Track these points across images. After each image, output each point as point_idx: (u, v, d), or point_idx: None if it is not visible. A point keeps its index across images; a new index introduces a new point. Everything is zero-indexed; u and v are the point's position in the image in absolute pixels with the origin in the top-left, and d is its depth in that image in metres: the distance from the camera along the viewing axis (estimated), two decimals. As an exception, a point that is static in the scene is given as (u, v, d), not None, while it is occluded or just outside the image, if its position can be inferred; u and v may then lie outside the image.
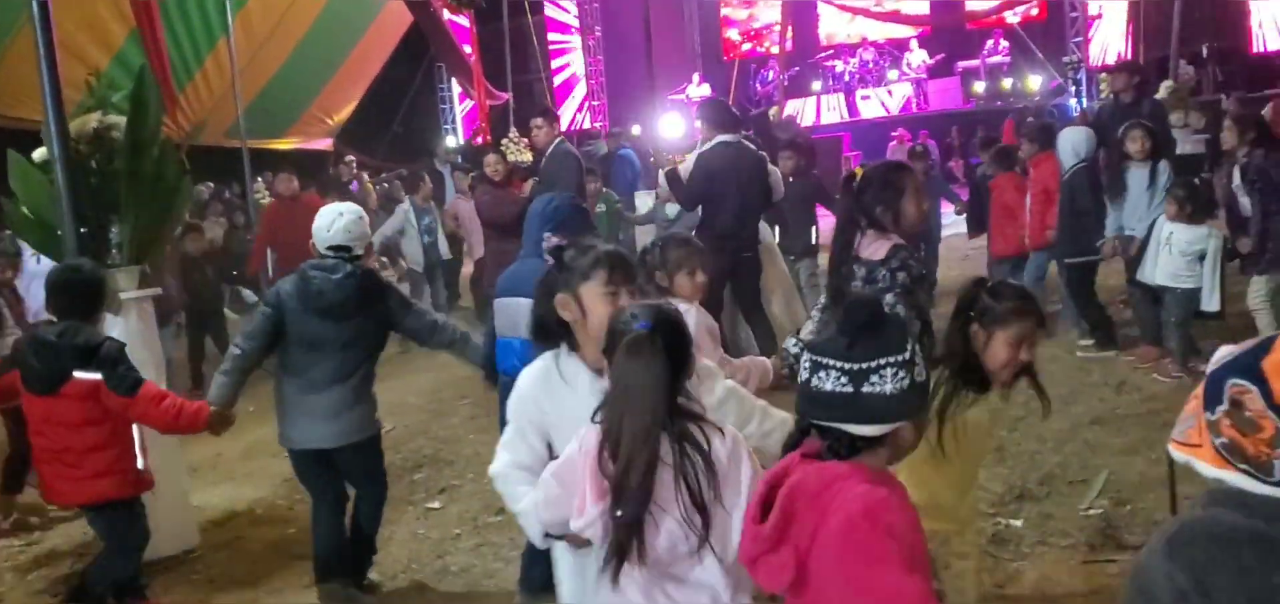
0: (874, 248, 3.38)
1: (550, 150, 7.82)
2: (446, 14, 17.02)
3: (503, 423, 2.87)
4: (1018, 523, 4.53)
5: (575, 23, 22.02)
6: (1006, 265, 8.06)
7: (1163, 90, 10.25)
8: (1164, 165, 6.89)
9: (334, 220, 4.08)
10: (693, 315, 3.27)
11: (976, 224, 9.18)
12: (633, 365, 2.15)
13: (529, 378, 2.61)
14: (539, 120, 8.12)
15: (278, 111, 16.08)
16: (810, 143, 11.83)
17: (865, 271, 3.34)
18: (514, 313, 3.62)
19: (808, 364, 1.89)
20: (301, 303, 4.03)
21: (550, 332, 2.58)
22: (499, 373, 3.87)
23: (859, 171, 3.45)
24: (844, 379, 1.83)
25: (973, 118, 20.95)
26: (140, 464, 4.17)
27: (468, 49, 18.37)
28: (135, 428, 4.13)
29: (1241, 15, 18.82)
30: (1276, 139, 6.60)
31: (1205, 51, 17.94)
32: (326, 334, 4.04)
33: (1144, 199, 6.84)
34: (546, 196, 4.05)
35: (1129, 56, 18.56)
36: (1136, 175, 6.91)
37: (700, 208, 7.00)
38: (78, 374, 3.93)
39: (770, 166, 7.18)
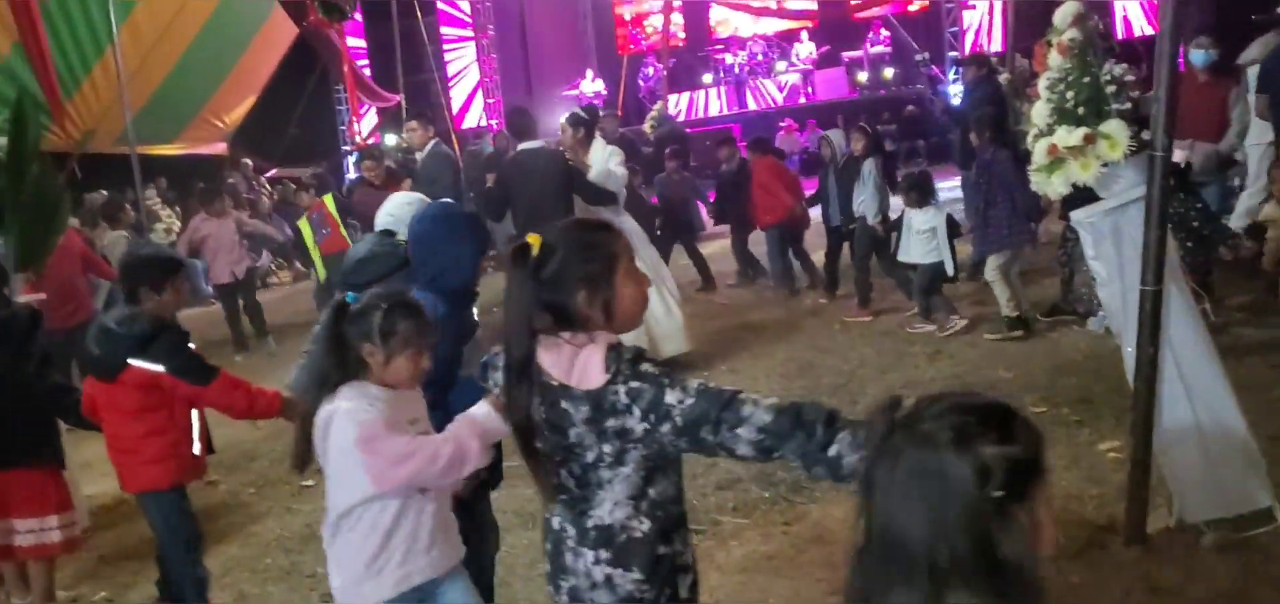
0: (586, 367, 2.13)
1: (426, 151, 8.27)
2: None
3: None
4: (818, 473, 5.21)
5: (469, 20, 22.37)
6: (771, 232, 9.78)
7: (1002, 80, 11.07)
8: (869, 163, 8.48)
9: None
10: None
11: (720, 215, 10.97)
12: None
13: None
14: (414, 123, 8.60)
15: (169, 117, 16.20)
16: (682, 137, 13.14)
17: (588, 408, 2.11)
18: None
19: None
20: None
21: None
22: None
23: (535, 240, 2.21)
24: None
25: (857, 106, 21.94)
26: (196, 451, 4.14)
27: (357, 45, 18.65)
28: (195, 415, 4.09)
29: (1106, 3, 19.98)
30: (1006, 138, 7.84)
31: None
32: None
33: (860, 188, 8.52)
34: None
35: (1002, 46, 19.74)
36: (862, 167, 8.54)
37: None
38: (134, 362, 3.87)
39: (613, 166, 7.39)
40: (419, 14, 18.88)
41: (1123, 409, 5.33)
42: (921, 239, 7.68)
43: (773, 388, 6.82)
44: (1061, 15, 3.83)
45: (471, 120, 21.90)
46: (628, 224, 7.44)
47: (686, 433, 2.03)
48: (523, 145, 7.24)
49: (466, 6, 22.21)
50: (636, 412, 2.06)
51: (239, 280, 10.59)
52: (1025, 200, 7.30)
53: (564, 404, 2.14)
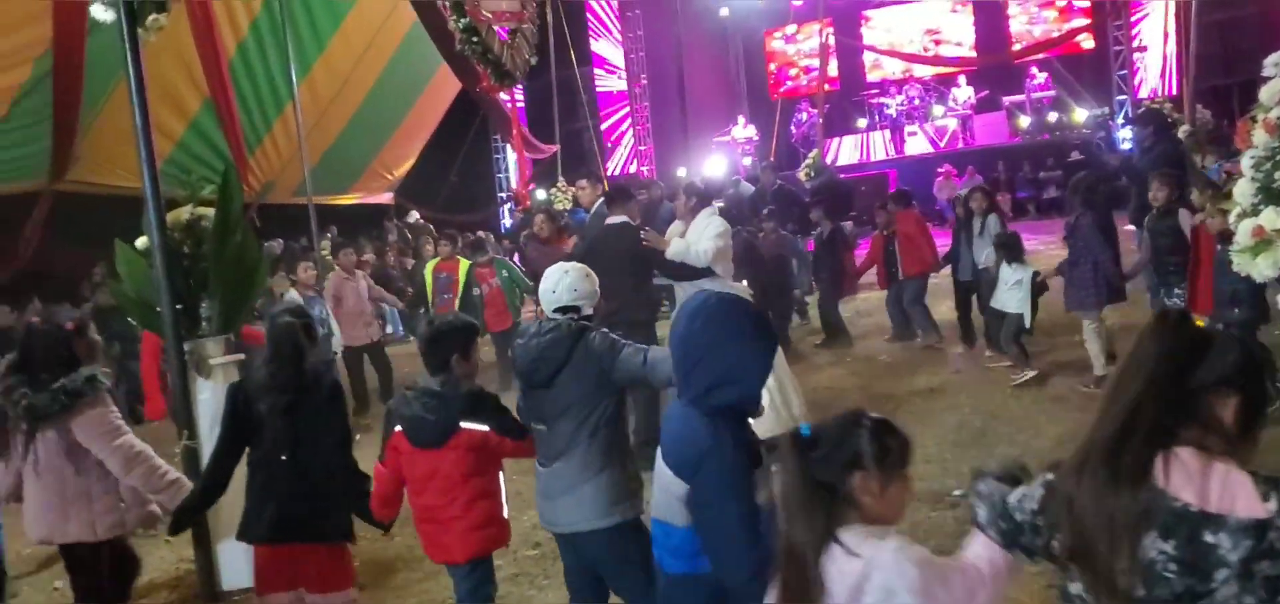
0: (1233, 488, 1.73)
1: (594, 209, 8.45)
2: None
3: None
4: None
5: (623, 69, 22.74)
6: (914, 283, 10.21)
7: (1182, 133, 10.63)
8: (992, 218, 9.17)
9: None
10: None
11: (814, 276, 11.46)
12: None
13: None
14: (584, 181, 8.82)
15: (342, 169, 17.02)
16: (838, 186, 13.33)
17: (1250, 544, 1.69)
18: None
19: None
20: None
21: None
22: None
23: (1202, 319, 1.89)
24: None
25: (1019, 152, 21.32)
26: (505, 513, 4.11)
27: (511, 99, 19.17)
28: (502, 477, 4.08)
29: (1286, 42, 18.93)
30: (1096, 203, 8.34)
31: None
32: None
33: (980, 243, 9.14)
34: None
35: (1173, 89, 18.90)
36: (978, 223, 9.25)
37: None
38: (466, 425, 3.85)
39: (703, 243, 7.03)
40: (576, 65, 19.31)
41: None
42: (1011, 291, 8.41)
43: (944, 457, 6.67)
44: (1269, 92, 3.68)
45: (618, 166, 22.24)
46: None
47: None
48: (611, 219, 7.40)
49: (620, 57, 22.60)
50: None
51: (369, 344, 10.09)
52: (1107, 266, 7.90)
53: (1209, 537, 1.68)
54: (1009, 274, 8.47)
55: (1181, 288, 7.37)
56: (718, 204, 7.71)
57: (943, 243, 10.65)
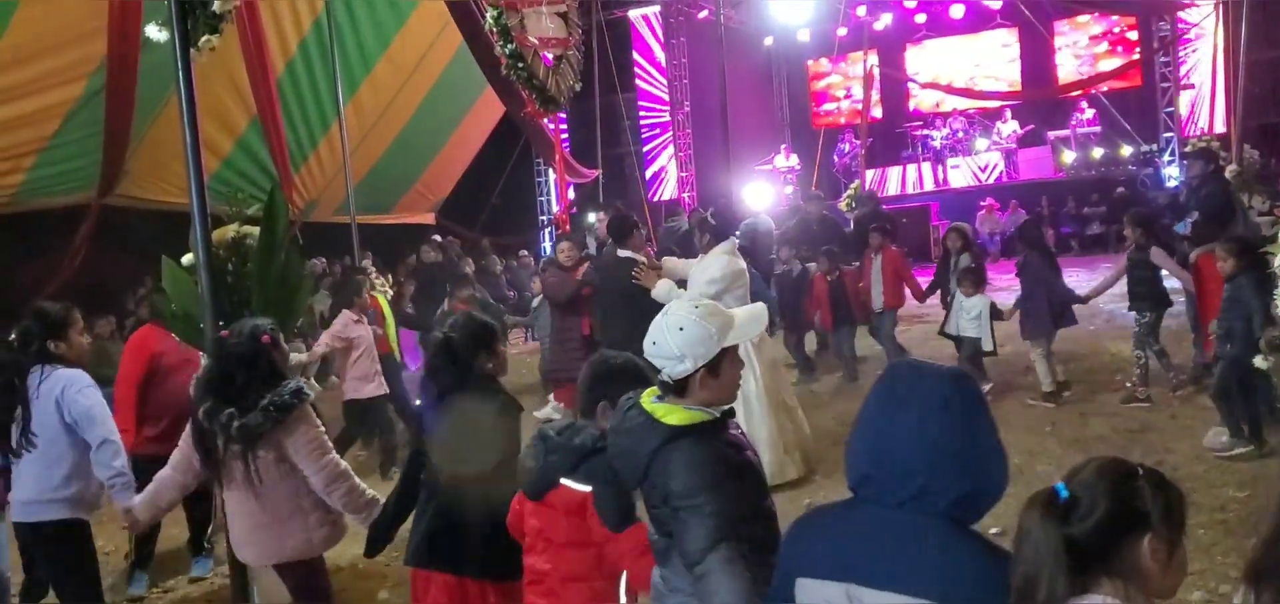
0: None
1: (607, 240, 8.48)
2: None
3: None
4: None
5: (666, 96, 22.80)
6: (890, 314, 10.55)
7: (1229, 173, 10.49)
8: (964, 256, 9.74)
9: None
10: None
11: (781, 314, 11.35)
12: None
13: None
14: (602, 214, 8.85)
15: (385, 189, 17.18)
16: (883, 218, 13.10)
17: None
18: None
19: None
20: None
21: None
22: None
23: None
24: None
25: (1063, 187, 21.12)
26: None
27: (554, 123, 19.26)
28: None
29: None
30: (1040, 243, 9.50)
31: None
32: None
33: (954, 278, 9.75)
34: None
35: (1222, 126, 18.64)
36: (954, 261, 9.88)
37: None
38: (565, 482, 3.12)
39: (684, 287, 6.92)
40: (620, 91, 19.36)
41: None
42: (970, 320, 9.19)
43: (981, 494, 6.59)
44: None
45: (666, 194, 22.27)
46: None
47: None
48: (621, 252, 7.43)
49: (665, 83, 22.67)
50: None
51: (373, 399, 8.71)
52: (1057, 297, 8.89)
53: None
54: (969, 305, 9.25)
55: (1149, 312, 8.51)
56: (736, 239, 7.49)
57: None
